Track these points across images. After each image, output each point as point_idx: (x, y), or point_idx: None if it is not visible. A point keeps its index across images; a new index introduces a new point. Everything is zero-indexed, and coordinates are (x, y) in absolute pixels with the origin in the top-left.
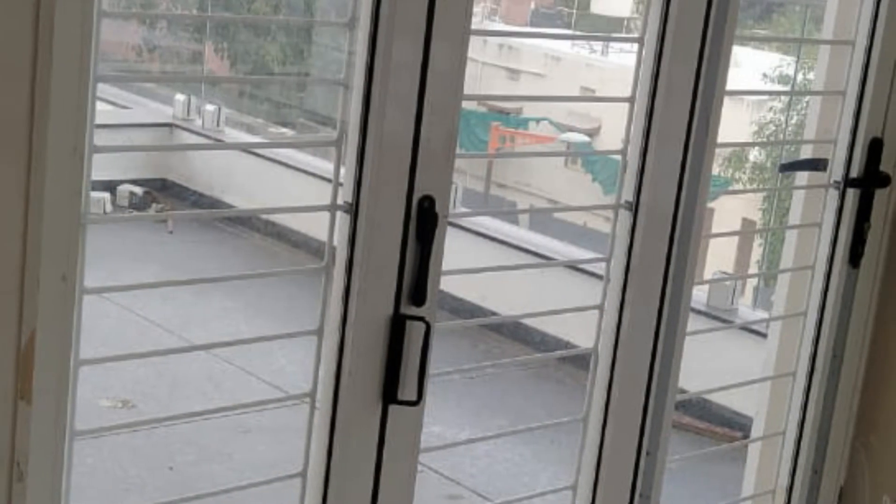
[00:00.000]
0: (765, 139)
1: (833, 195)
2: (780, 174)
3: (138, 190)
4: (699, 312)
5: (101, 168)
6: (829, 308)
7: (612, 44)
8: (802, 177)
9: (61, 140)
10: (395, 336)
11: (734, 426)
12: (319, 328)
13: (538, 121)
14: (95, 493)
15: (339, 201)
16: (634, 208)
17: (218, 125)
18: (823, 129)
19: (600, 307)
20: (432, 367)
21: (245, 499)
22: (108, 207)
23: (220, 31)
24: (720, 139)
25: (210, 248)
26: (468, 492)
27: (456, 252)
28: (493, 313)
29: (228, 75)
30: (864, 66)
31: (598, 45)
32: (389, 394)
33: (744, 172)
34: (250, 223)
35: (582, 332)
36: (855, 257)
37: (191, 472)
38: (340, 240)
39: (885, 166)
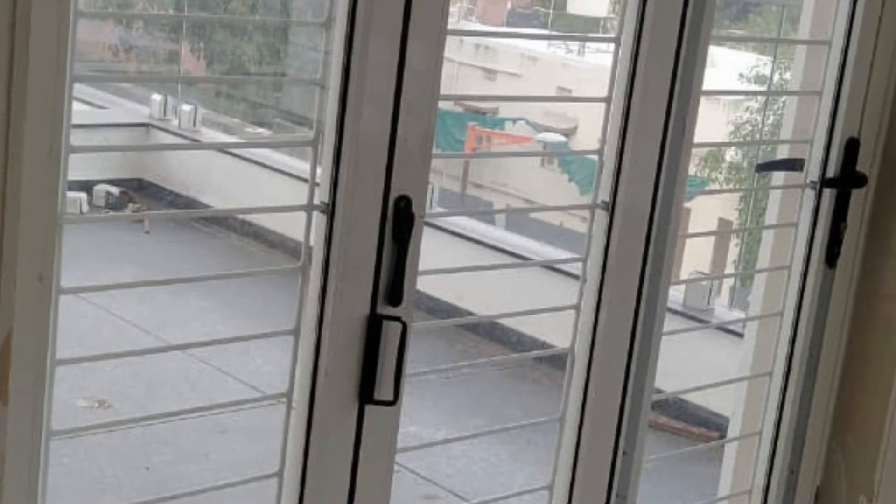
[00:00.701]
0: (741, 139)
1: (809, 195)
2: (757, 174)
3: (115, 190)
4: (675, 312)
5: (78, 168)
6: (806, 308)
7: (588, 44)
8: (779, 177)
9: (38, 140)
10: (372, 336)
11: (710, 426)
12: (296, 328)
13: (514, 121)
14: (72, 494)
15: (316, 201)
16: (611, 208)
17: (194, 125)
18: (800, 129)
19: (577, 307)
20: (409, 368)
21: (221, 499)
22: (85, 207)
23: (197, 31)
24: (696, 139)
25: (186, 248)
26: (444, 492)
27: (432, 252)
28: (470, 313)
29: (205, 75)
30: (841, 66)
31: (574, 46)
32: (366, 394)
33: (720, 172)
34: (227, 223)
35: (558, 332)
36: (831, 257)
37: (167, 472)
38: (317, 240)
39: (861, 166)
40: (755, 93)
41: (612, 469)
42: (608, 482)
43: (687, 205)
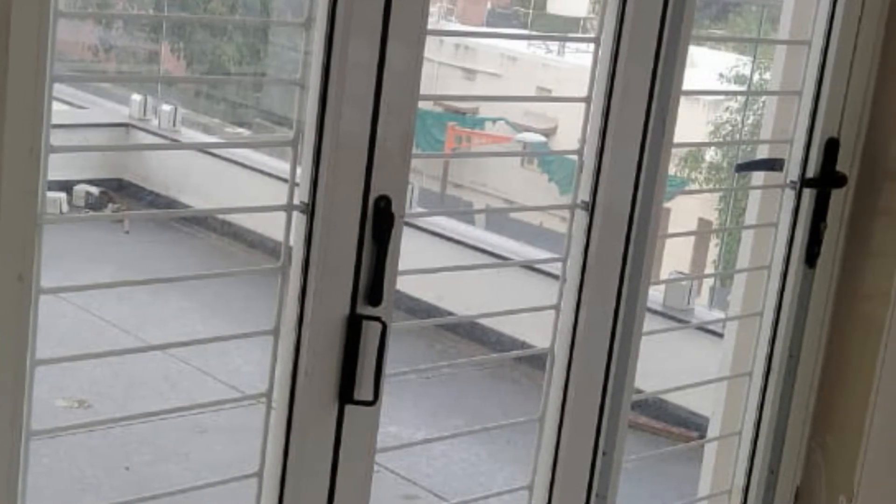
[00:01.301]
0: (721, 139)
1: (789, 195)
2: (737, 174)
3: (94, 190)
4: (655, 312)
5: (58, 168)
6: (786, 308)
7: (568, 44)
8: (759, 177)
9: (17, 140)
10: (352, 336)
11: (690, 426)
12: (276, 328)
13: (494, 121)
14: (52, 494)
15: (296, 201)
16: (591, 208)
17: (174, 125)
18: (780, 129)
19: (556, 307)
20: (389, 367)
21: (201, 499)
22: (65, 207)
23: (177, 31)
24: (676, 139)
25: (166, 247)
26: (424, 492)
27: (412, 252)
28: (450, 313)
29: (184, 75)
30: (821, 66)
31: (554, 46)
32: (346, 394)
33: (700, 172)
34: (206, 223)
35: (538, 332)
36: (811, 257)
37: (147, 472)
38: (297, 240)
39: (841, 166)
40: (735, 93)
41: (591, 469)
42: (588, 482)
43: (667, 205)
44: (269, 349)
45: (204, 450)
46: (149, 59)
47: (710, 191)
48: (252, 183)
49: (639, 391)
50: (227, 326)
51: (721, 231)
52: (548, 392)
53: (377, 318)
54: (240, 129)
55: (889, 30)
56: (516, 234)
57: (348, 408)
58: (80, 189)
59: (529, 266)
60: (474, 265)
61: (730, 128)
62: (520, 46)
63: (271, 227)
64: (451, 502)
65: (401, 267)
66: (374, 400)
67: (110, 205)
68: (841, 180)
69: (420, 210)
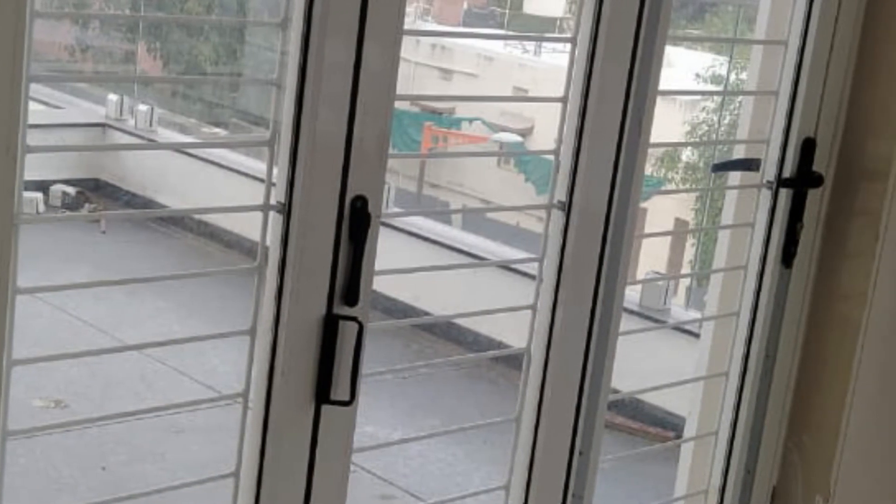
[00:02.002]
0: (697, 139)
1: (766, 195)
2: (713, 174)
3: (71, 190)
4: (632, 312)
5: (34, 168)
6: (762, 308)
7: (544, 44)
8: (735, 177)
9: None
10: (328, 336)
11: (667, 426)
12: (252, 328)
13: (471, 121)
14: (28, 494)
15: (272, 201)
16: (567, 208)
17: (151, 125)
18: (756, 129)
19: (533, 307)
20: (365, 367)
21: (178, 499)
22: (41, 207)
23: (153, 31)
24: (653, 139)
25: (143, 248)
26: (401, 492)
27: (389, 252)
28: (426, 313)
29: (161, 75)
30: (797, 66)
31: (530, 46)
32: (322, 394)
33: (677, 172)
34: (183, 223)
35: (515, 333)
36: (787, 257)
37: (123, 472)
38: (273, 240)
39: (817, 166)
40: (711, 93)
41: (568, 469)
42: (564, 482)
43: (643, 205)
44: (246, 349)
45: (180, 450)
46: (125, 59)
47: (686, 191)
48: (228, 183)
49: (615, 391)
50: (203, 326)
51: (697, 231)
52: (524, 392)
53: (353, 318)
54: (216, 129)
55: (865, 30)
56: (493, 234)
57: (325, 408)
58: (57, 189)
59: (506, 266)
60: (451, 265)
61: (706, 128)
62: (496, 46)
63: (248, 227)
64: (427, 502)
65: (377, 267)
66: (351, 400)
67: (87, 205)
68: (817, 180)
69: (397, 210)
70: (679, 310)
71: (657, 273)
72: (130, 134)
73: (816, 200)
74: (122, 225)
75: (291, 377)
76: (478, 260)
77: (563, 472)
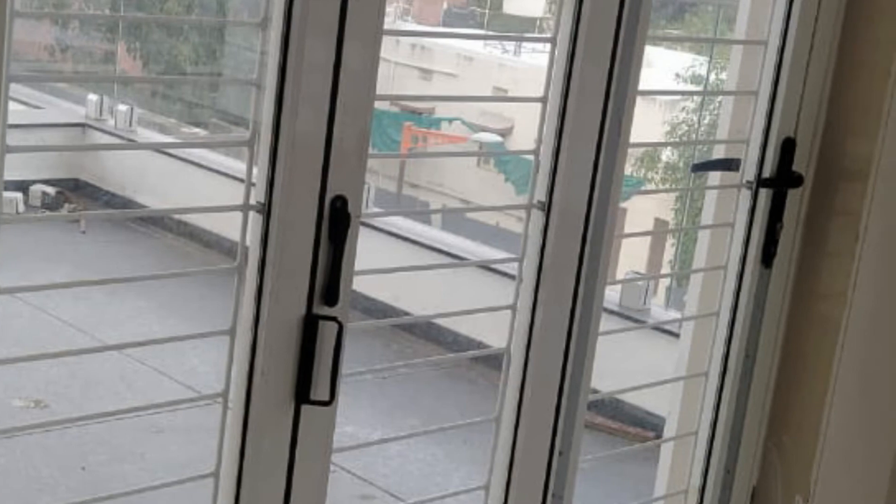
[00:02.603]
0: (677, 139)
1: (746, 195)
2: (693, 174)
3: (51, 190)
4: (612, 312)
5: (14, 168)
6: (742, 308)
7: (524, 44)
8: (715, 177)
9: None
10: (308, 336)
11: (647, 426)
12: (232, 328)
13: (451, 121)
14: (8, 493)
15: (252, 201)
16: (547, 208)
17: (130, 125)
18: (736, 129)
19: (513, 307)
20: (345, 368)
21: (157, 499)
22: (21, 207)
23: (133, 31)
24: (633, 139)
25: (122, 247)
26: (381, 492)
27: (369, 252)
28: (406, 313)
29: (141, 75)
30: (777, 65)
31: (510, 45)
32: (302, 394)
33: (656, 172)
34: (163, 223)
35: (494, 333)
36: (767, 257)
37: (103, 472)
38: (253, 240)
39: (797, 166)
40: (691, 93)
41: (548, 469)
42: (544, 482)
43: (623, 205)
44: (226, 349)
45: (160, 450)
46: (105, 59)
47: (666, 191)
48: (208, 183)
49: (595, 391)
50: (183, 326)
51: (677, 231)
52: (504, 392)
53: (333, 318)
54: (196, 129)
55: (845, 30)
56: (473, 234)
57: (304, 408)
58: (37, 189)
59: (486, 266)
60: (431, 265)
61: (686, 128)
62: (476, 46)
63: (227, 227)
64: (407, 502)
65: (357, 267)
66: (331, 400)
67: (67, 205)
68: (797, 180)
69: (376, 210)
70: (659, 310)
71: (637, 273)
72: (110, 134)
73: (796, 200)
74: (101, 225)
75: (271, 377)
76: (458, 260)
77: (543, 472)
